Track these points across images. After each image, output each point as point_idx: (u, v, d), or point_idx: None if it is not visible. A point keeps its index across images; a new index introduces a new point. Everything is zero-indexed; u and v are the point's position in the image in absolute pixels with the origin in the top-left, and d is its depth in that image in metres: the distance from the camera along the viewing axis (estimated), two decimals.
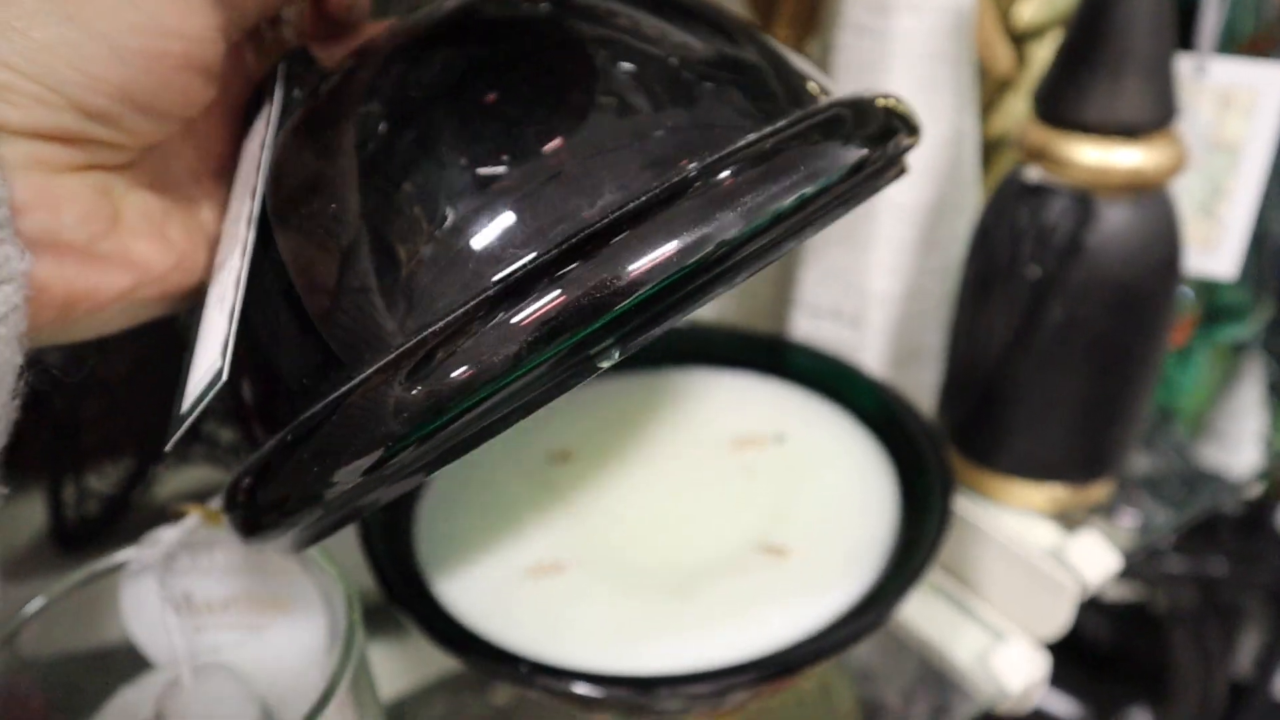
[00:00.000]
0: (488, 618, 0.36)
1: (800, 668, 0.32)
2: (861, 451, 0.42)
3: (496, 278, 0.22)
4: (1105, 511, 0.55)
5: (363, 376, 0.22)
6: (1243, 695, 0.87)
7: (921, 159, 0.47)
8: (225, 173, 0.29)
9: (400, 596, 0.35)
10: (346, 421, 0.22)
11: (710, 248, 0.22)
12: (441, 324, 0.22)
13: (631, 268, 0.21)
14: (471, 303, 0.22)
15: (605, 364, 0.23)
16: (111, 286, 0.24)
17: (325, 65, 0.29)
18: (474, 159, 0.23)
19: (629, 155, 0.23)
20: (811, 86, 0.28)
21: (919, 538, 0.36)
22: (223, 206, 0.28)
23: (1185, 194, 0.48)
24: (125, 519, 0.45)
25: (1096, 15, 0.38)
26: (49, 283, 0.22)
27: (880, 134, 0.26)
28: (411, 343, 0.22)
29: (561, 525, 0.40)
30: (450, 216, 0.23)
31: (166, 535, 0.32)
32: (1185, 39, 0.48)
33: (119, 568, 0.32)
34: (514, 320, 0.21)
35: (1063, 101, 0.39)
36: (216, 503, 0.34)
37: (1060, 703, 0.79)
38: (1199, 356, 0.58)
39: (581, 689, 0.32)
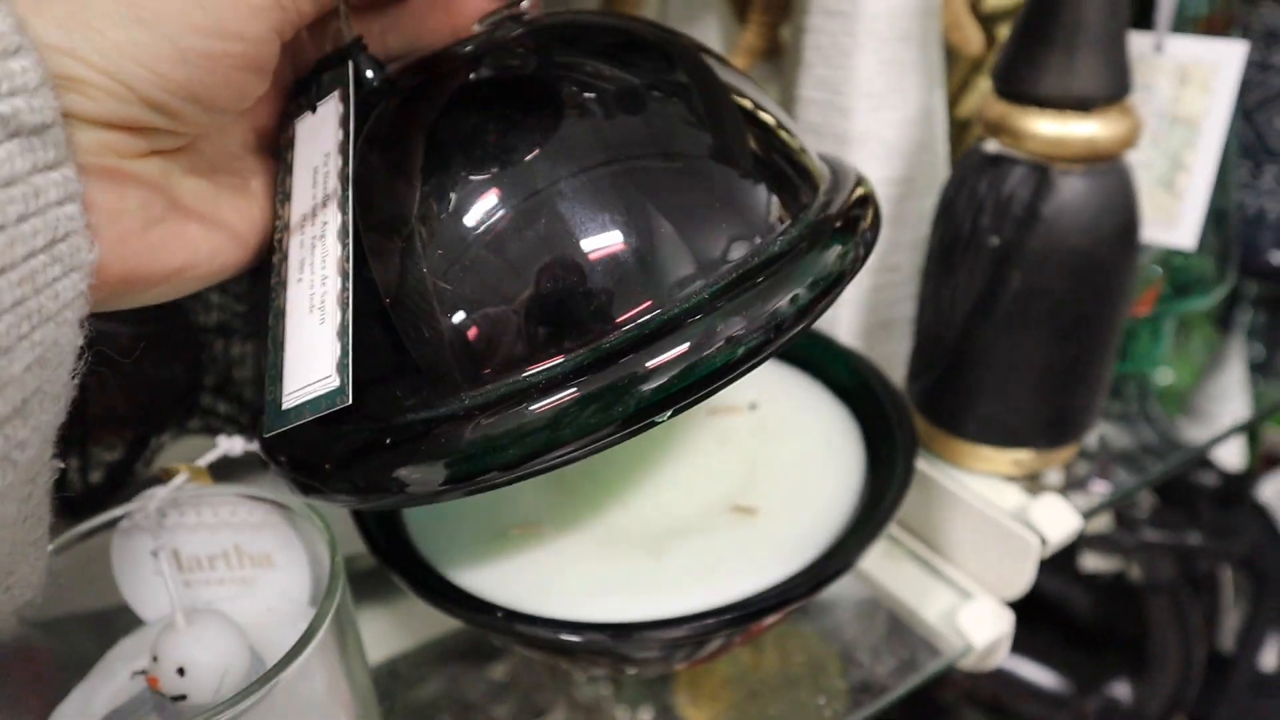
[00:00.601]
0: (470, 575, 0.37)
1: (768, 613, 0.34)
2: (831, 418, 0.44)
3: (559, 360, 0.27)
4: (1079, 484, 0.57)
5: (452, 410, 0.27)
6: (1226, 666, 0.89)
7: (891, 137, 0.48)
8: (271, 147, 0.31)
9: (385, 551, 0.37)
10: (435, 441, 0.27)
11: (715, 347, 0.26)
12: (517, 382, 0.27)
13: (649, 363, 0.26)
14: (545, 369, 0.27)
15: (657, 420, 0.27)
16: (166, 265, 0.25)
17: (391, 67, 0.32)
18: (552, 244, 0.27)
19: (673, 265, 0.28)
20: (799, 170, 0.32)
21: (882, 496, 0.38)
22: (270, 181, 0.29)
23: (1145, 168, 0.50)
24: (129, 488, 0.46)
25: None
26: (108, 264, 0.23)
27: (855, 231, 0.31)
28: (497, 394, 0.27)
29: (542, 488, 0.41)
30: (533, 293, 0.27)
31: (158, 493, 0.34)
32: (1144, 18, 0.49)
33: (112, 524, 0.34)
34: (562, 395, 0.26)
35: (1019, 76, 0.40)
36: (204, 462, 0.35)
37: (1042, 675, 0.80)
38: (1167, 326, 0.59)
39: (557, 634, 0.33)
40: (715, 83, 0.31)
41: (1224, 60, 0.47)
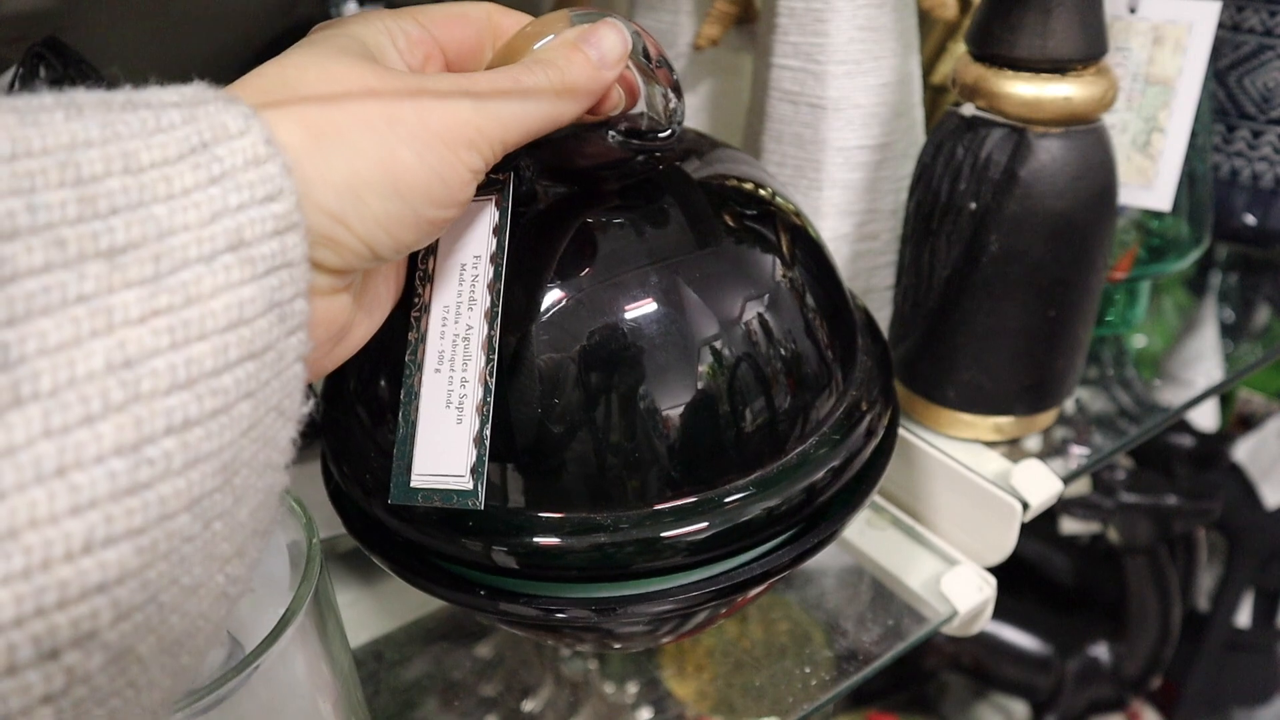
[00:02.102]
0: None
1: (753, 584, 0.34)
2: None
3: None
4: (1058, 450, 0.57)
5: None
6: (1202, 625, 0.90)
7: (867, 103, 0.48)
8: None
9: (363, 533, 0.37)
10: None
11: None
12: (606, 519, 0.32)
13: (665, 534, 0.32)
14: (633, 513, 0.32)
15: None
16: (334, 365, 0.28)
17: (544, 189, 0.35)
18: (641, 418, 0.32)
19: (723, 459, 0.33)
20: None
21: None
22: (398, 270, 0.31)
23: (1121, 130, 0.49)
24: None
25: None
26: None
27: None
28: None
29: None
30: (623, 457, 0.32)
31: None
32: None
33: None
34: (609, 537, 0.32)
35: (994, 38, 0.40)
36: None
37: (1023, 638, 0.81)
38: (1142, 289, 0.59)
39: (542, 611, 0.33)
40: (821, 272, 0.37)
41: (1197, 20, 0.47)
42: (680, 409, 0.32)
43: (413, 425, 0.30)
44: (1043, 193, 0.40)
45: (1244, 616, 0.95)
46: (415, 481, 0.30)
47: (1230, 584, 0.88)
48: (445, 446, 0.30)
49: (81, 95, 0.19)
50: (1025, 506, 0.44)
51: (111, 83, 0.42)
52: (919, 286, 0.45)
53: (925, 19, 0.54)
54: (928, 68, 0.58)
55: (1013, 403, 0.45)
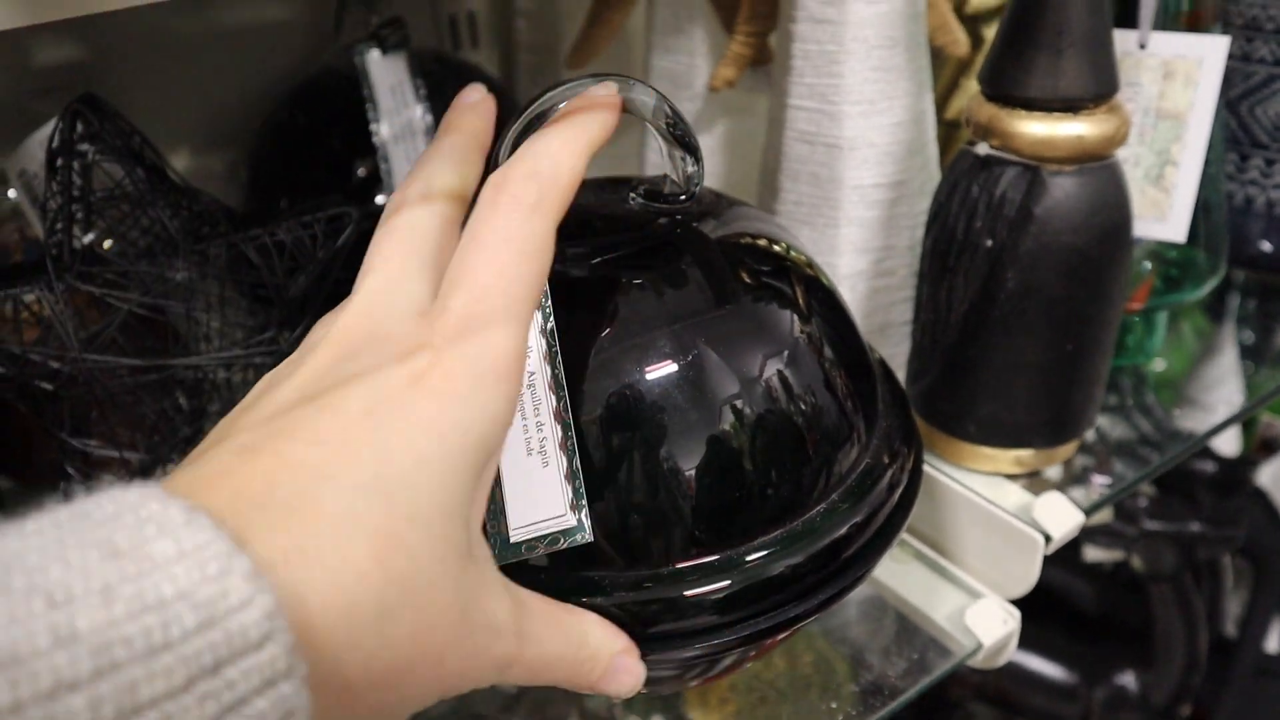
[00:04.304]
0: None
1: (781, 630, 0.34)
2: None
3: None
4: (1079, 479, 0.58)
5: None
6: (1230, 651, 0.90)
7: (882, 142, 0.49)
8: None
9: None
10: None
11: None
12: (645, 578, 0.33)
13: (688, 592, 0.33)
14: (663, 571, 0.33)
15: None
16: None
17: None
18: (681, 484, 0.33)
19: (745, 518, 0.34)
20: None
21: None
22: None
23: (1134, 164, 0.50)
24: None
25: None
26: None
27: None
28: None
29: None
30: (647, 517, 0.33)
31: None
32: (1127, 15, 0.50)
33: None
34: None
35: (1006, 79, 0.41)
36: None
37: (1050, 667, 0.81)
38: (1160, 320, 0.60)
39: None
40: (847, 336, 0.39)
41: (1207, 55, 0.47)
42: (702, 468, 0.33)
43: (497, 484, 0.31)
44: (1058, 229, 0.41)
45: (1273, 642, 0.95)
46: (515, 536, 0.30)
47: (1257, 610, 0.88)
48: (538, 492, 0.30)
49: (71, 580, 0.17)
50: (1047, 539, 0.44)
51: (144, 143, 0.43)
52: (937, 323, 0.45)
53: (938, 56, 0.55)
54: (941, 103, 0.59)
55: (1033, 436, 0.46)
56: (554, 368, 0.32)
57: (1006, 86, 0.41)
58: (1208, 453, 0.87)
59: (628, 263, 0.36)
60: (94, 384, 0.44)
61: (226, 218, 0.47)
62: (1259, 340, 0.75)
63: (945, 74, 0.60)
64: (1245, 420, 0.95)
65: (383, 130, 0.56)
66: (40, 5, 0.30)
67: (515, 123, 0.34)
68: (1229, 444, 0.97)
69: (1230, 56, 0.59)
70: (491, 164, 0.35)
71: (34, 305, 0.44)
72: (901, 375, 0.51)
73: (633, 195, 0.38)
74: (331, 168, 0.59)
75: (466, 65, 0.67)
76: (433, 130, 0.57)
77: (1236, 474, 0.84)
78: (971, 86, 0.58)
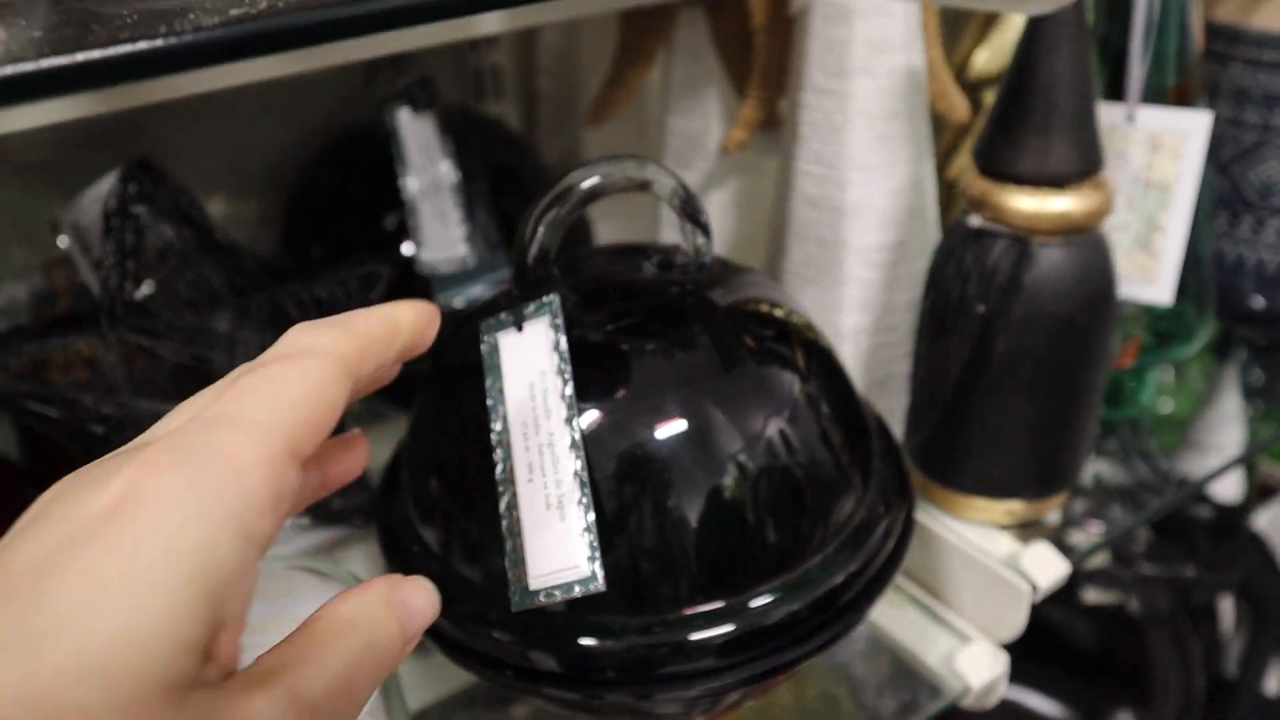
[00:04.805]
0: None
1: (785, 669, 0.37)
2: None
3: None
4: (1076, 522, 0.60)
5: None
6: (1230, 692, 0.91)
7: (885, 206, 0.52)
8: None
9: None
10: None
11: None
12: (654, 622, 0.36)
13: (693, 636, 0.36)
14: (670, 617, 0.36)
15: None
16: None
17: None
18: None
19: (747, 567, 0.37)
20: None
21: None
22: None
23: (1123, 230, 0.53)
24: None
25: (1024, 78, 0.42)
26: None
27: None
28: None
29: None
30: (656, 566, 0.36)
31: None
32: (1118, 89, 0.53)
33: None
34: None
35: (998, 156, 0.44)
36: None
37: (1049, 706, 0.82)
38: (1151, 374, 0.62)
39: (583, 695, 0.36)
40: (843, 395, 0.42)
41: (1192, 129, 0.50)
42: (707, 521, 0.36)
43: (518, 535, 0.34)
44: (1046, 298, 0.44)
45: (1272, 684, 0.96)
46: (534, 584, 0.33)
47: (1256, 652, 0.89)
48: (555, 544, 0.33)
49: None
50: (1034, 588, 0.47)
51: (191, 203, 0.46)
52: (933, 381, 0.48)
53: (940, 119, 0.58)
54: (943, 163, 0.62)
55: (1022, 489, 0.48)
56: (573, 431, 0.34)
57: (998, 163, 0.44)
58: (1205, 498, 0.89)
59: (642, 329, 0.38)
60: (141, 428, 0.47)
61: (266, 272, 0.51)
62: (1262, 386, 0.77)
63: (947, 135, 0.63)
64: (1246, 466, 0.97)
65: (411, 185, 0.59)
66: (120, 95, 0.33)
67: (540, 202, 0.37)
68: (1231, 488, 0.99)
69: (1221, 121, 0.62)
70: (521, 243, 0.38)
71: (84, 351, 0.47)
72: (900, 426, 0.53)
73: (647, 264, 0.41)
74: (361, 219, 0.62)
75: (490, 120, 0.70)
76: (460, 186, 0.60)
77: (1233, 520, 0.86)
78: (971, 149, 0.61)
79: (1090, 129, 0.43)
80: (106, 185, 0.54)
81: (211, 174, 0.67)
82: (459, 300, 0.60)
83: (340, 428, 0.49)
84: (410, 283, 0.58)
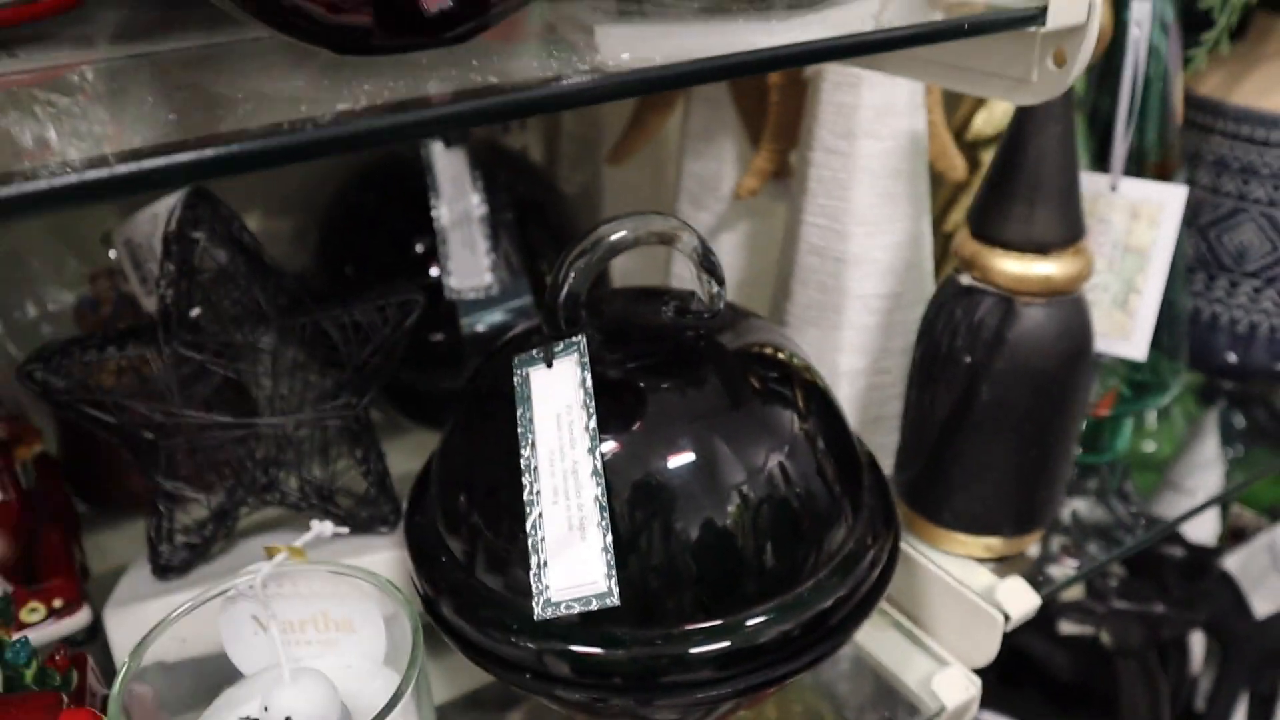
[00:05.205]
0: None
1: (777, 683, 0.41)
2: None
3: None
4: (1053, 557, 0.64)
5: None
6: None
7: (884, 259, 0.56)
8: None
9: (439, 616, 0.44)
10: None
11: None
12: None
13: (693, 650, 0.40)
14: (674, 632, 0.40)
15: None
16: None
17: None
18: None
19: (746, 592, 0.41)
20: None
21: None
22: None
23: (1103, 290, 0.57)
24: (208, 553, 0.53)
25: (1013, 154, 0.47)
26: None
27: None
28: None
29: None
30: (661, 585, 0.40)
31: (263, 568, 0.41)
32: (1104, 156, 0.57)
33: (222, 594, 0.41)
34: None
35: (988, 222, 0.48)
36: (301, 543, 0.43)
37: None
38: (1125, 422, 0.66)
39: (589, 697, 0.40)
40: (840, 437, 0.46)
41: (1168, 201, 0.54)
42: (711, 545, 0.39)
43: (541, 551, 0.38)
44: (1027, 353, 0.48)
45: (1239, 718, 1.00)
46: (556, 597, 0.37)
47: (1224, 688, 0.93)
48: (577, 562, 0.37)
49: None
50: (1007, 618, 0.51)
51: (242, 228, 0.50)
52: (921, 423, 0.52)
53: (939, 176, 0.62)
54: (940, 217, 0.66)
55: (1000, 526, 0.52)
56: (595, 460, 0.38)
57: (988, 228, 0.48)
58: (1179, 538, 0.93)
59: (659, 369, 0.42)
60: (188, 435, 0.51)
61: (306, 293, 0.54)
62: (1240, 431, 0.81)
63: (945, 190, 0.67)
64: (1220, 507, 1.01)
65: (442, 215, 0.63)
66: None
67: (572, 250, 0.41)
68: (1208, 526, 1.03)
69: (1202, 188, 0.66)
70: (552, 286, 0.41)
71: (136, 361, 0.51)
72: (891, 461, 0.57)
73: (665, 309, 0.45)
74: (393, 242, 0.66)
75: (514, 154, 0.74)
76: (487, 218, 0.64)
77: (1204, 560, 0.90)
78: (968, 202, 0.65)
79: (1073, 201, 0.47)
80: (160, 206, 0.58)
81: (252, 191, 0.71)
82: (481, 325, 0.64)
83: (363, 438, 0.53)
84: (437, 307, 0.62)
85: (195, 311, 0.50)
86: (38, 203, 0.22)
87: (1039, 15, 0.35)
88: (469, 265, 0.63)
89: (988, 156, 0.64)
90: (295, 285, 0.55)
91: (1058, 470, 0.51)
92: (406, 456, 0.63)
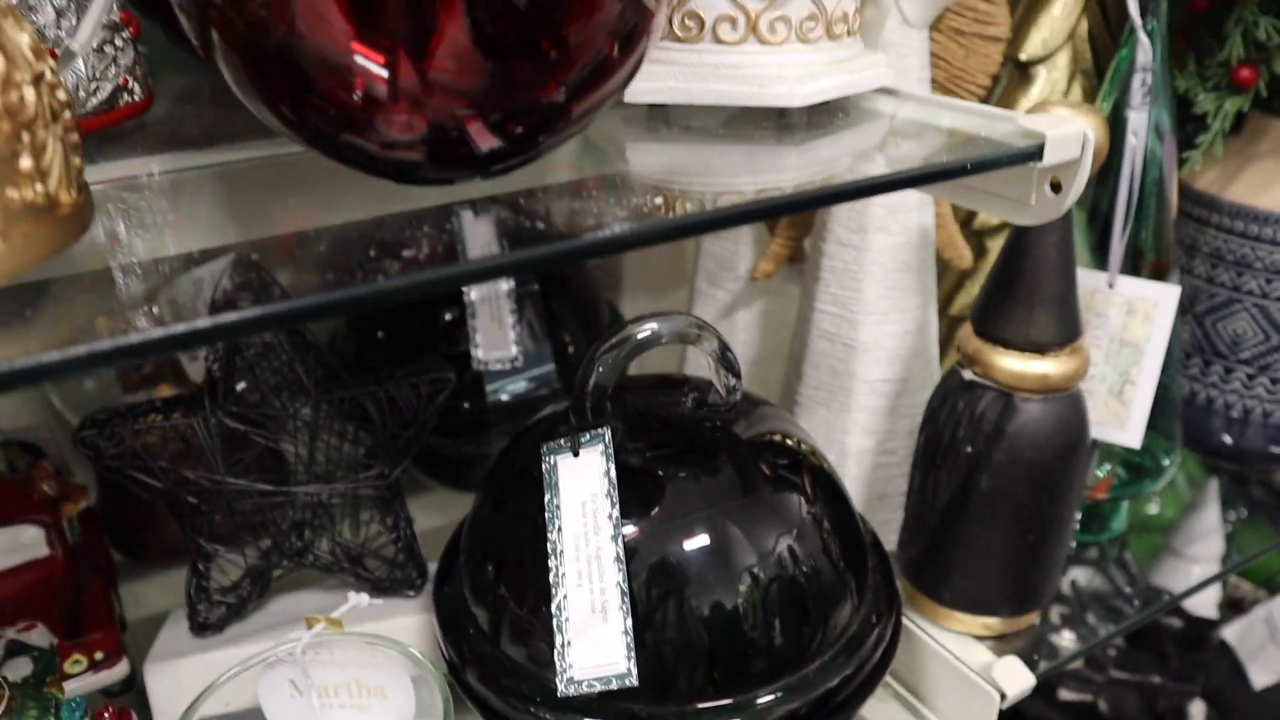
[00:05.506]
0: None
1: None
2: None
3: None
4: (1054, 628, 0.66)
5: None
6: None
7: (892, 346, 0.59)
8: None
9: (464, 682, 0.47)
10: None
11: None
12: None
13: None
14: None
15: None
16: None
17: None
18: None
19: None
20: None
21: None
22: None
23: (1100, 381, 0.60)
24: (243, 611, 0.56)
25: (1014, 259, 0.49)
26: None
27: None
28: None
29: None
30: (675, 662, 0.43)
31: (303, 637, 0.44)
32: (1103, 250, 0.60)
33: (264, 661, 0.44)
34: None
35: (990, 321, 0.51)
36: (338, 613, 0.45)
37: None
38: (1122, 505, 0.69)
39: None
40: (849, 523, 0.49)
41: (1162, 299, 0.57)
42: (724, 627, 0.42)
43: (565, 631, 0.40)
44: (1025, 446, 0.50)
45: None
46: (578, 675, 0.40)
47: None
48: (598, 644, 0.40)
49: None
50: (1003, 696, 0.53)
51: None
52: (924, 506, 0.55)
53: (946, 263, 0.65)
54: (946, 301, 0.69)
55: (998, 607, 0.55)
56: (617, 547, 0.41)
57: (989, 327, 0.51)
58: (1178, 609, 0.94)
59: (677, 458, 0.45)
60: (229, 500, 0.54)
61: (342, 367, 0.58)
62: (1242, 500, 0.84)
63: (952, 275, 0.70)
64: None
65: (472, 292, 0.67)
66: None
67: (600, 346, 0.44)
68: (1207, 596, 1.05)
69: (1197, 277, 0.69)
70: (580, 379, 0.45)
71: (183, 429, 0.54)
72: (894, 538, 0.60)
73: (685, 400, 0.48)
74: (422, 311, 0.69)
75: None
76: (513, 293, 0.67)
77: (1202, 631, 0.92)
78: (975, 290, 0.68)
79: (1071, 305, 0.50)
80: (204, 270, 0.61)
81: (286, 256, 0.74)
82: (505, 395, 0.67)
83: (394, 504, 0.56)
84: (463, 375, 0.65)
85: (241, 385, 0.54)
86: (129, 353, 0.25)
87: (1037, 152, 0.38)
88: (496, 338, 0.66)
89: (994, 244, 0.67)
90: (333, 359, 0.58)
91: (1054, 556, 0.54)
92: (429, 513, 0.66)
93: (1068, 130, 0.38)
